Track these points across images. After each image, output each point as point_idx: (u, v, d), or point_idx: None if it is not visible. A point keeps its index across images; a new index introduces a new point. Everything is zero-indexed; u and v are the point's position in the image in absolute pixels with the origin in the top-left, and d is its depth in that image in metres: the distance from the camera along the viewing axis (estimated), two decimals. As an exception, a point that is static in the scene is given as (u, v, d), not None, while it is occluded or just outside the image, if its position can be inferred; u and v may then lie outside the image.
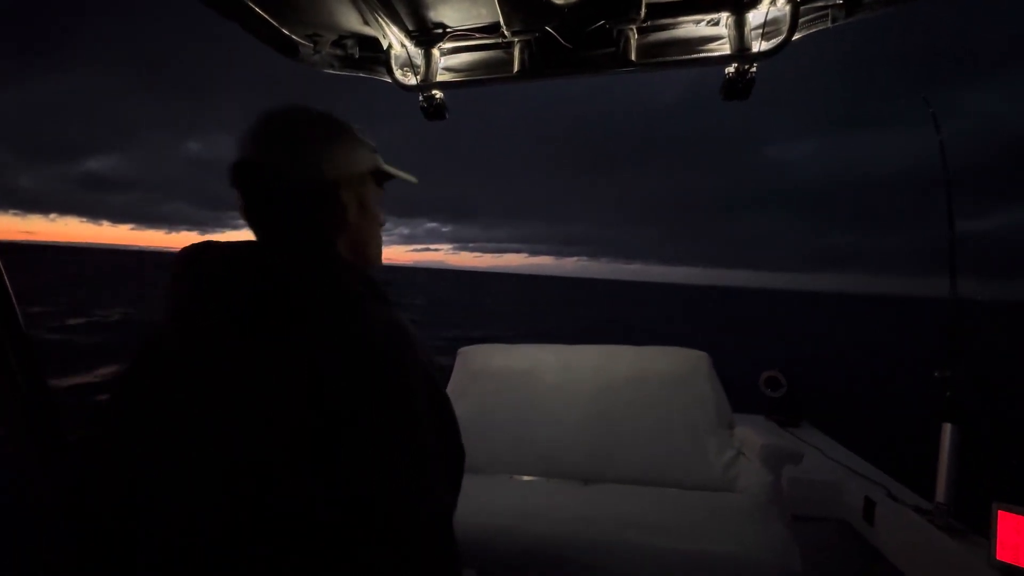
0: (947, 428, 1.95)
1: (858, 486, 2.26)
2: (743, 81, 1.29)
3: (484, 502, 1.53)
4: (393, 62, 1.45)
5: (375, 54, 1.48)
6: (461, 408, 1.97)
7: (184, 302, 0.57)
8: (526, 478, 1.76)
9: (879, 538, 2.09)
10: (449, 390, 2.03)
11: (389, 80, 1.47)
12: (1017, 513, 1.65)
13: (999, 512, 1.68)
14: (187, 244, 0.62)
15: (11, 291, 0.62)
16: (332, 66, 1.52)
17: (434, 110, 1.49)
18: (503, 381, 1.98)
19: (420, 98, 1.49)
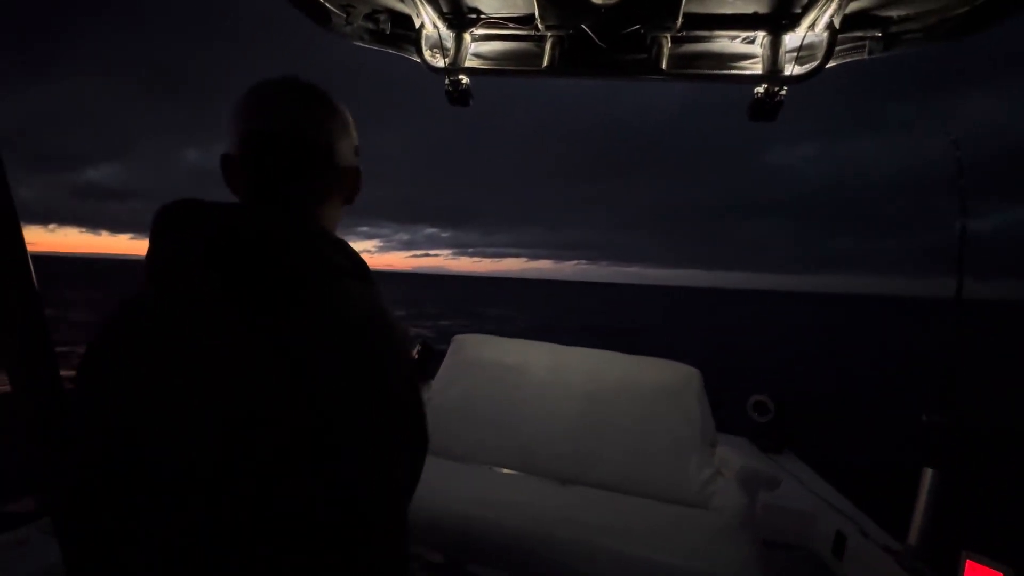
0: (927, 472, 1.95)
1: (831, 519, 2.27)
2: (772, 103, 1.28)
3: (461, 490, 1.54)
4: (424, 42, 1.44)
5: (406, 32, 1.47)
6: (450, 395, 1.98)
7: (169, 268, 0.52)
8: (505, 471, 1.77)
9: (845, 573, 2.10)
10: (440, 375, 2.04)
11: (417, 59, 1.46)
12: (985, 565, 1.65)
13: (967, 562, 1.68)
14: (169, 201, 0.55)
15: (39, 294, 0.61)
16: (363, 39, 1.50)
17: (459, 95, 1.48)
18: (493, 373, 1.99)
19: (446, 81, 1.48)
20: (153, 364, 0.49)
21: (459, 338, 2.15)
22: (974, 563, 1.67)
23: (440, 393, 1.96)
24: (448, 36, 1.43)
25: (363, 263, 0.59)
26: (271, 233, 0.51)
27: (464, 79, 1.46)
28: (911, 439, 2.13)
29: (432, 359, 2.36)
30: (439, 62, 1.45)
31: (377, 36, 1.49)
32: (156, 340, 0.49)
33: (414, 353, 3.04)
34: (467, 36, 1.42)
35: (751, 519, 1.68)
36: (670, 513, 1.64)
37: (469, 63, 1.45)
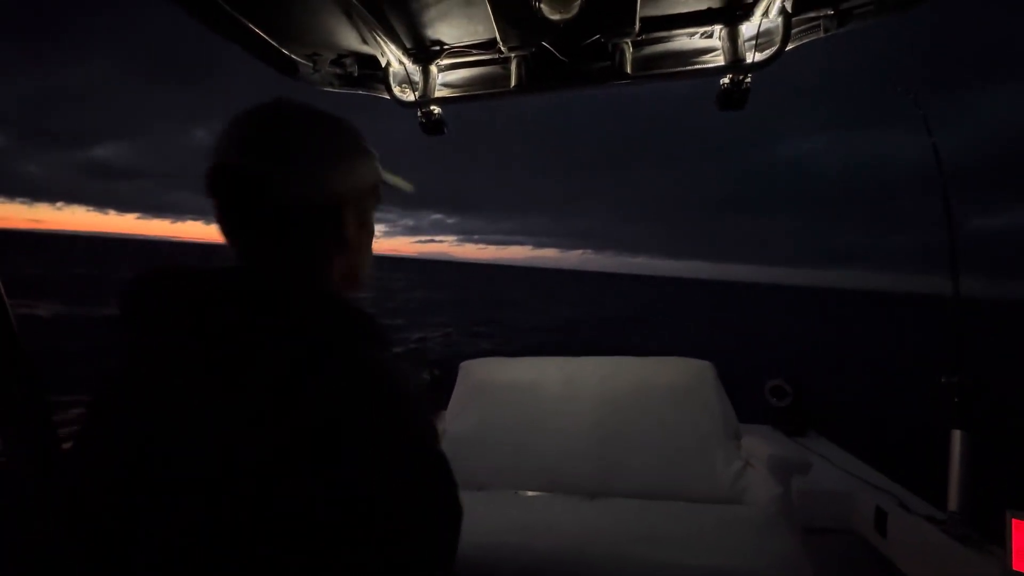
0: (956, 435, 1.92)
1: (869, 496, 2.22)
2: (738, 91, 1.30)
3: (485, 518, 1.51)
4: (392, 79, 1.47)
5: (374, 71, 1.50)
6: (463, 423, 1.96)
7: (146, 342, 0.50)
8: (530, 493, 1.74)
9: (892, 550, 2.04)
10: (452, 405, 2.02)
11: (388, 97, 1.49)
12: (1033, 521, 1.61)
13: (1013, 521, 1.64)
14: (144, 273, 0.52)
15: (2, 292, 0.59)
16: (332, 84, 1.54)
17: (432, 125, 1.50)
18: (505, 394, 1.97)
19: (419, 113, 1.50)
20: (154, 365, 0.50)
21: (466, 364, 2.13)
22: (1021, 521, 1.63)
23: (454, 422, 1.93)
24: (415, 70, 1.46)
25: (377, 326, 0.53)
26: (261, 309, 0.48)
27: (436, 109, 1.49)
28: (936, 403, 2.10)
29: (445, 389, 2.34)
30: (409, 96, 1.48)
31: (345, 80, 1.52)
32: (158, 343, 0.50)
33: (426, 378, 3.01)
34: (433, 68, 1.45)
35: (788, 508, 1.64)
36: (704, 513, 1.60)
37: (439, 93, 1.48)
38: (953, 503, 1.90)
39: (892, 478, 2.42)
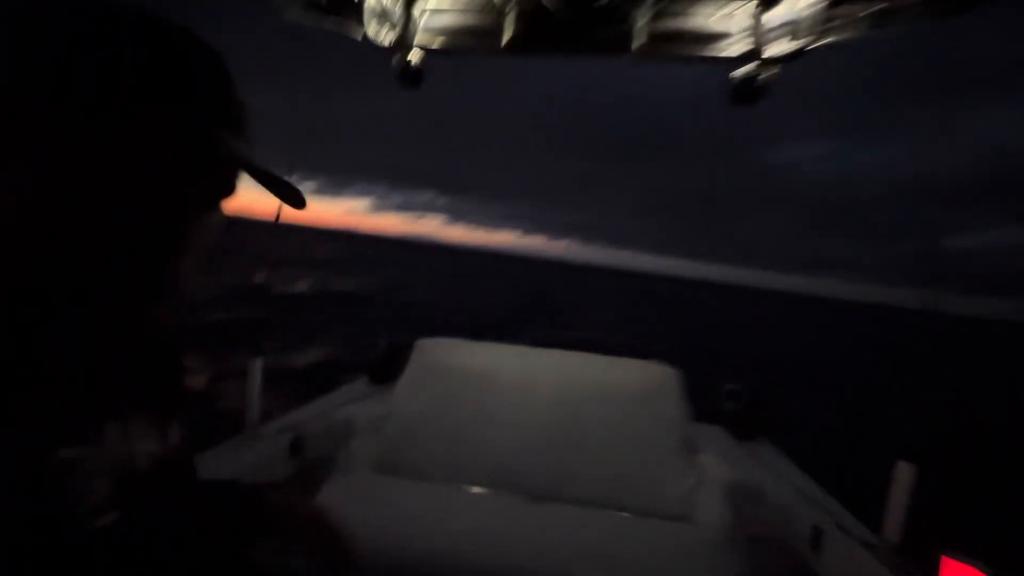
0: (902, 465, 1.93)
1: (808, 512, 2.24)
2: (754, 84, 1.17)
3: (420, 514, 1.41)
4: (366, 14, 1.26)
5: (346, 2, 1.29)
6: (411, 406, 1.83)
7: None
8: (473, 490, 1.64)
9: (825, 568, 2.08)
10: (402, 383, 1.88)
11: (358, 37, 1.28)
12: (962, 562, 1.64)
13: (943, 559, 1.66)
14: None
15: None
16: (298, 10, 1.31)
17: (410, 75, 1.31)
18: (459, 380, 1.84)
19: (393, 60, 1.31)
20: None
21: (422, 342, 1.99)
22: (951, 560, 1.66)
23: (402, 403, 1.80)
24: (394, 8, 1.25)
25: None
26: None
27: (415, 57, 1.29)
28: (888, 429, 2.10)
29: (399, 361, 2.20)
30: (386, 37, 1.27)
31: (313, 7, 1.30)
32: None
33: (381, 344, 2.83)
34: (416, 9, 1.25)
35: (737, 532, 1.60)
36: (651, 529, 1.55)
37: (420, 40, 1.28)
38: (891, 531, 1.93)
39: (835, 496, 2.46)
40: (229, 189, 0.40)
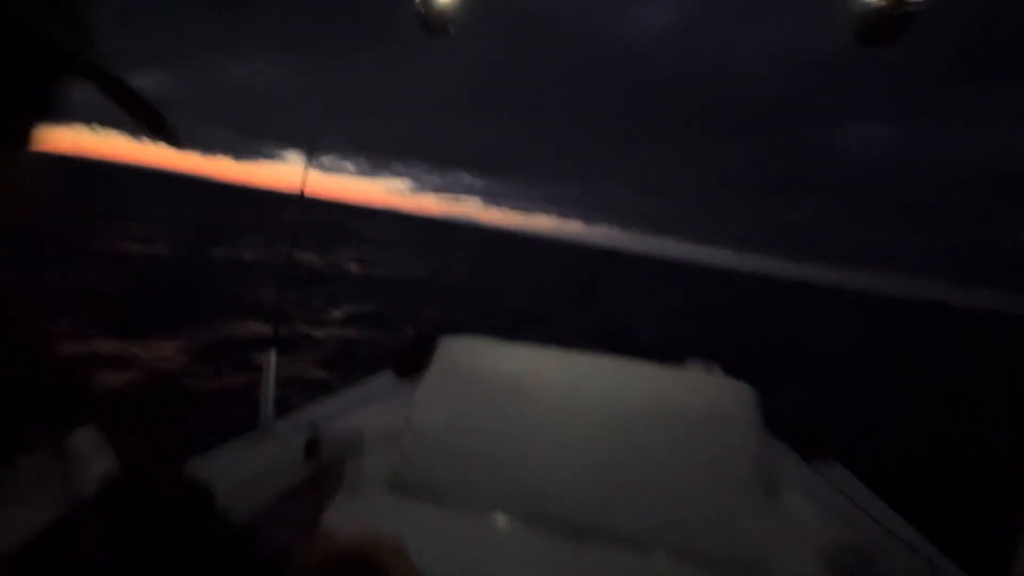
0: None
1: (898, 555, 1.89)
2: (897, 17, 0.84)
3: (439, 550, 1.20)
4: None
5: None
6: (433, 415, 1.62)
7: None
8: (499, 521, 1.42)
9: None
10: (422, 389, 1.67)
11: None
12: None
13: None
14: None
15: None
16: None
17: (433, 18, 1.06)
18: (488, 387, 1.60)
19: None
20: None
21: (447, 340, 1.77)
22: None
23: (422, 412, 1.59)
24: None
25: None
26: None
27: None
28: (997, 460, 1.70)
29: (427, 354, 1.98)
30: None
31: None
32: None
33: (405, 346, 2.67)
34: None
35: None
36: None
37: None
38: None
39: (925, 534, 2.08)
40: (44, 106, 0.29)
